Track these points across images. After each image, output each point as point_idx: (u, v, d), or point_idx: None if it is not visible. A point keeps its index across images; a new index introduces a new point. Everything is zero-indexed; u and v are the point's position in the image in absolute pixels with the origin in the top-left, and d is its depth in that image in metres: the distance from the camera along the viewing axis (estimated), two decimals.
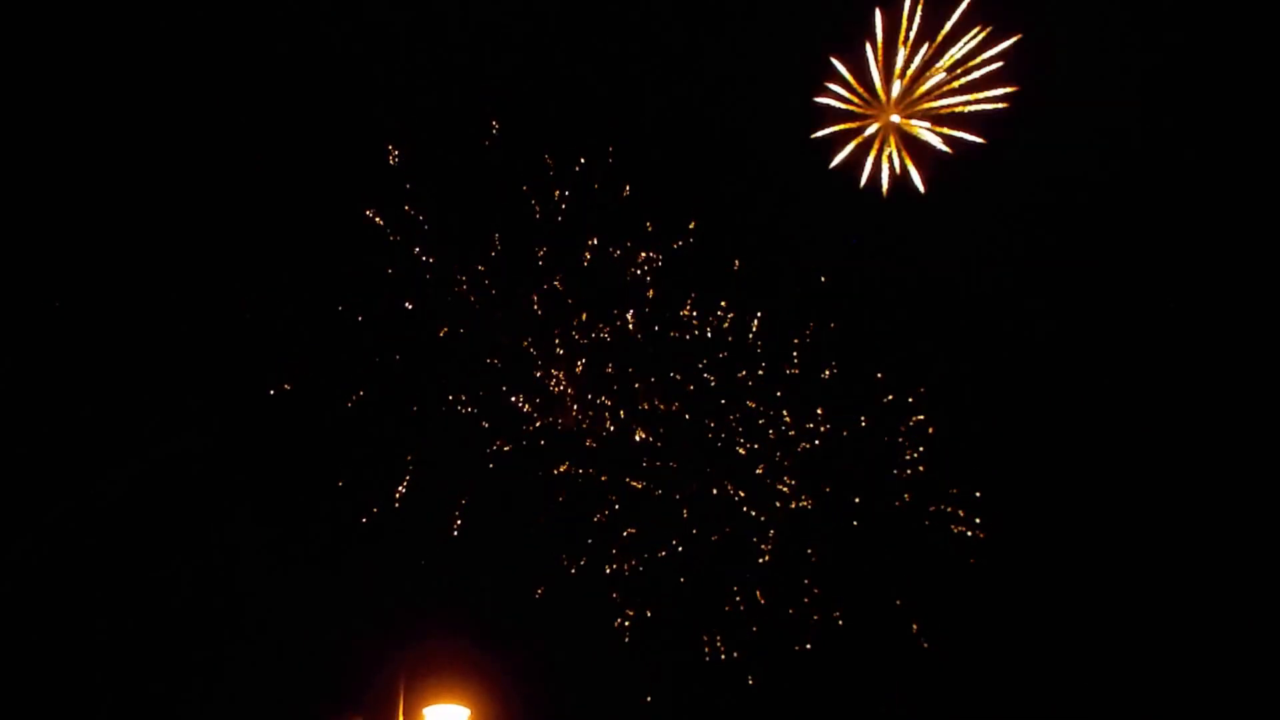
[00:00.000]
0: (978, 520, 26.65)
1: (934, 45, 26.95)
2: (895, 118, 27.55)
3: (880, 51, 27.18)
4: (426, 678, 18.96)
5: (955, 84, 27.02)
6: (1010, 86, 26.66)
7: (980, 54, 26.70)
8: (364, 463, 25.08)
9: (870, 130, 27.84)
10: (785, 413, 26.72)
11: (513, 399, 25.88)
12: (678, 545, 26.00)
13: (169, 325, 24.44)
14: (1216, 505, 25.60)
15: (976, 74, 26.83)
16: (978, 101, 26.87)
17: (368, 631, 23.05)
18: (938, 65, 26.99)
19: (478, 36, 25.75)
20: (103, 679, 22.67)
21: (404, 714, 18.54)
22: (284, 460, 24.86)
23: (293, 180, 25.11)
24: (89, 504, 23.30)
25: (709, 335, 26.83)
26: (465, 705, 18.46)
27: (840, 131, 27.81)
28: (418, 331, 25.79)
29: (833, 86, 27.51)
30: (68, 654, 22.50)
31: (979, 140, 27.16)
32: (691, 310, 26.74)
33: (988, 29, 26.49)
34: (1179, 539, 25.72)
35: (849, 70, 27.37)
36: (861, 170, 27.95)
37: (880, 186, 27.90)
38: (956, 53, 26.78)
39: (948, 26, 26.81)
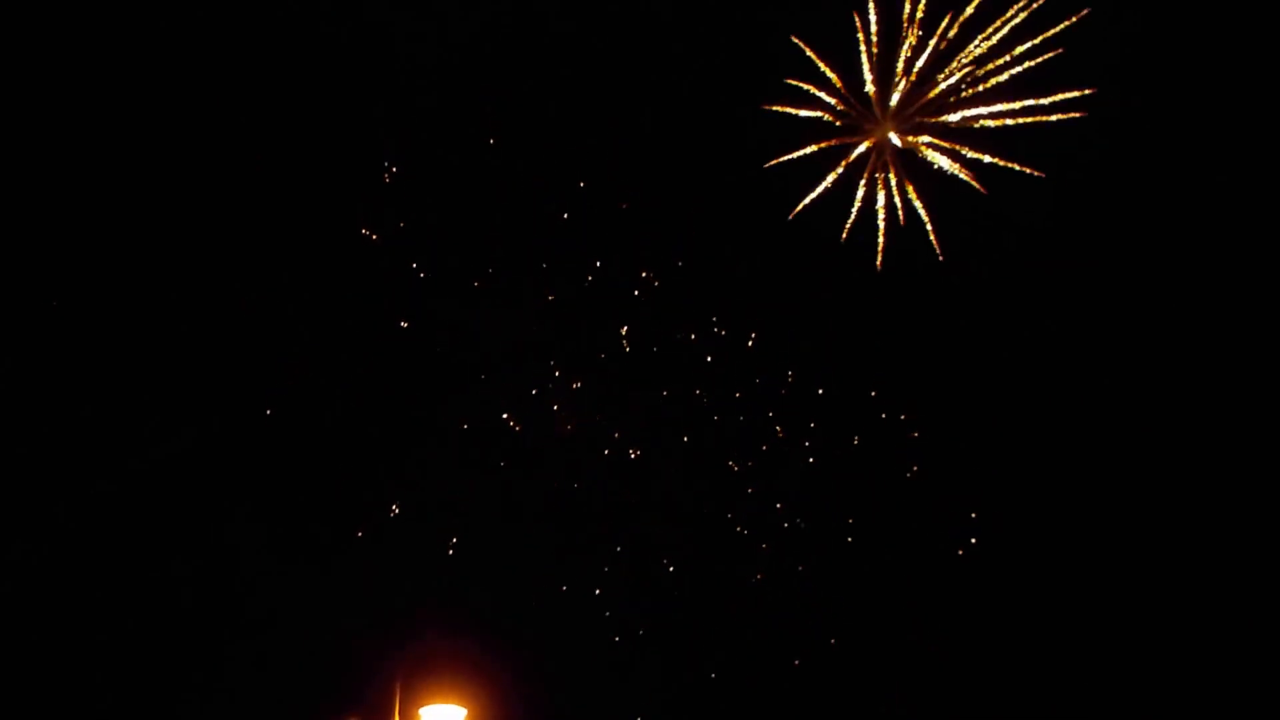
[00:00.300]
0: (973, 541, 26.15)
1: (954, 29, 19.55)
2: (894, 137, 20.42)
3: (875, 39, 20.02)
4: (423, 677, 18.94)
5: (985, 85, 19.79)
6: (1081, 88, 19.17)
7: (1022, 41, 19.28)
8: (363, 464, 25.14)
9: (859, 152, 20.92)
10: (778, 429, 26.36)
11: (504, 416, 25.88)
12: (669, 566, 25.98)
13: (169, 325, 24.48)
14: (1209, 510, 25.36)
15: (1015, 70, 19.32)
16: (1022, 112, 19.34)
17: (364, 631, 23.11)
18: (961, 57, 19.66)
19: (478, 37, 25.70)
20: (103, 679, 22.70)
21: (400, 713, 18.50)
22: (284, 460, 24.91)
23: (292, 181, 25.14)
24: (89, 504, 23.34)
25: (708, 359, 26.35)
26: (462, 705, 18.44)
27: (819, 152, 21.08)
28: (417, 334, 25.84)
29: (807, 88, 20.61)
30: (68, 654, 22.53)
31: (1032, 172, 19.84)
32: (689, 333, 26.32)
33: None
34: (1173, 545, 25.53)
35: (830, 67, 20.59)
36: (850, 198, 21.36)
37: (875, 229, 21.41)
38: (992, 36, 19.39)
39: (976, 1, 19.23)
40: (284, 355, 25.15)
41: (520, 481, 25.58)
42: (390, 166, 25.01)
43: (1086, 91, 19.56)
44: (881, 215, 21.76)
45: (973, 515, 25.84)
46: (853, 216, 21.84)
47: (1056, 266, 24.49)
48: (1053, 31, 19.51)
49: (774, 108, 21.05)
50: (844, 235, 21.74)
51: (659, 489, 26.11)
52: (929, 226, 21.61)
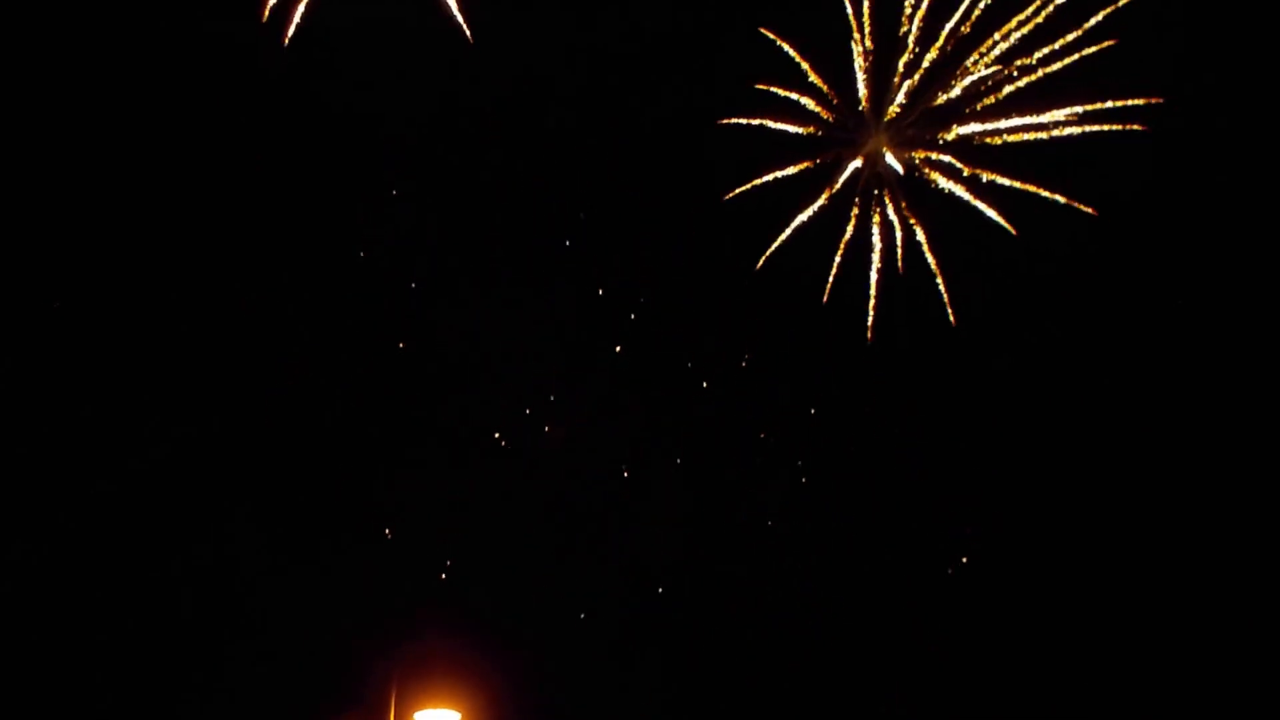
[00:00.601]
0: (964, 559, 25.84)
1: (969, 21, 14.75)
2: (890, 158, 15.74)
3: (868, 30, 15.21)
4: (419, 678, 18.97)
5: (1011, 88, 14.82)
6: (1148, 95, 14.21)
7: (1056, 34, 14.43)
8: (362, 466, 25.21)
9: (850, 170, 16.12)
10: (771, 441, 26.28)
11: (502, 419, 25.92)
12: (664, 571, 25.98)
13: (169, 327, 24.55)
14: (1203, 510, 25.25)
15: (1049, 69, 14.35)
16: (1063, 124, 14.46)
17: (361, 634, 23.15)
18: (980, 50, 14.80)
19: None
20: (102, 679, 22.77)
21: (395, 714, 18.53)
22: (284, 461, 24.97)
23: (294, 185, 25.20)
24: (89, 504, 23.41)
25: (703, 382, 26.27)
26: (456, 709, 18.45)
27: (804, 167, 16.58)
28: (417, 338, 25.90)
29: (786, 94, 15.87)
30: (68, 654, 22.60)
31: (1086, 210, 14.97)
32: (684, 349, 26.22)
33: None
34: (1170, 548, 25.44)
35: (813, 68, 15.87)
36: (839, 225, 16.80)
37: (869, 261, 16.90)
38: (1019, 28, 14.51)
39: None
40: (284, 356, 25.25)
41: (518, 485, 25.67)
42: (390, 174, 25.11)
43: (1153, 100, 14.76)
44: (876, 263, 17.66)
45: (967, 531, 25.58)
46: (835, 266, 17.87)
47: (1089, 307, 21.52)
48: (1094, 21, 14.97)
49: (742, 120, 17.14)
50: (827, 293, 17.47)
51: (656, 494, 26.17)
52: (940, 281, 17.12)
